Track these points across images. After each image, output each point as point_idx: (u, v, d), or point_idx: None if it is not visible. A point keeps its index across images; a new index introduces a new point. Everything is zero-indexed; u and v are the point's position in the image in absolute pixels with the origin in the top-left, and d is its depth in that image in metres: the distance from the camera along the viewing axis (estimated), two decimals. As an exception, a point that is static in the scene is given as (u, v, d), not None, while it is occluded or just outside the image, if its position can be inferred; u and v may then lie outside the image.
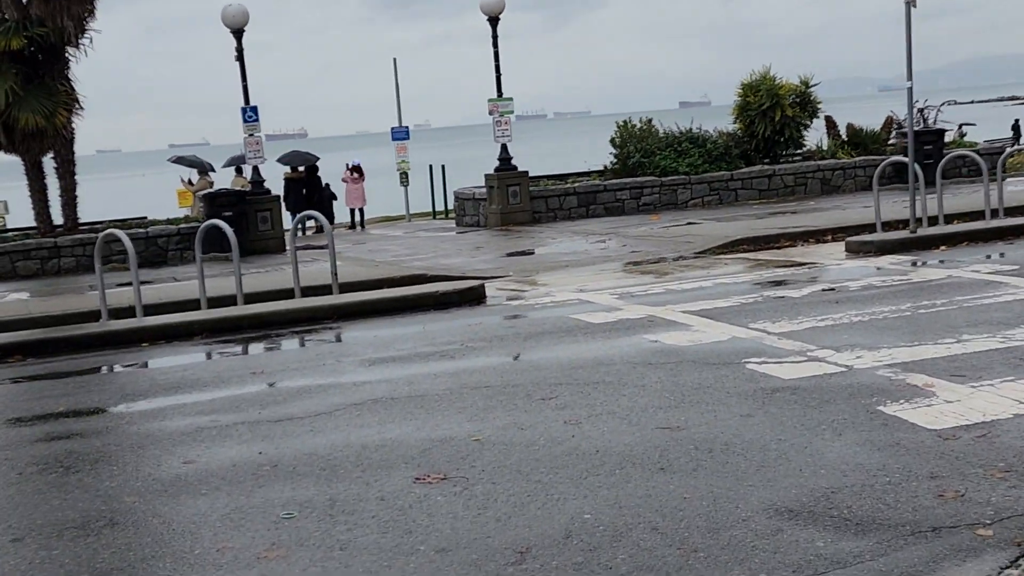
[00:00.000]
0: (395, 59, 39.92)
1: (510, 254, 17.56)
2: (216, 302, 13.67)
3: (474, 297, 12.23)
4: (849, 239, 14.54)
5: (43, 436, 7.56)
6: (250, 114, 22.06)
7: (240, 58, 22.08)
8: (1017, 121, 36.56)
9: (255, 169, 22.46)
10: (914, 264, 12.55)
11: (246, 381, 8.83)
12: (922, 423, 6.36)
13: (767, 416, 6.69)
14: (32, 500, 6.09)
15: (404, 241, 21.95)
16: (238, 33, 21.95)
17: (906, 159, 15.87)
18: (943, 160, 16.30)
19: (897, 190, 23.39)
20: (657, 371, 8.02)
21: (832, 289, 11.11)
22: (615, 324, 10.04)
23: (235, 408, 7.86)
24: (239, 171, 29.19)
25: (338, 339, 10.68)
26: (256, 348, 10.57)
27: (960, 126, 29.10)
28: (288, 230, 14.39)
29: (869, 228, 16.46)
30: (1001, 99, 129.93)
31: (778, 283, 11.85)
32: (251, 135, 22.10)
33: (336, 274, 12.89)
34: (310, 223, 29.82)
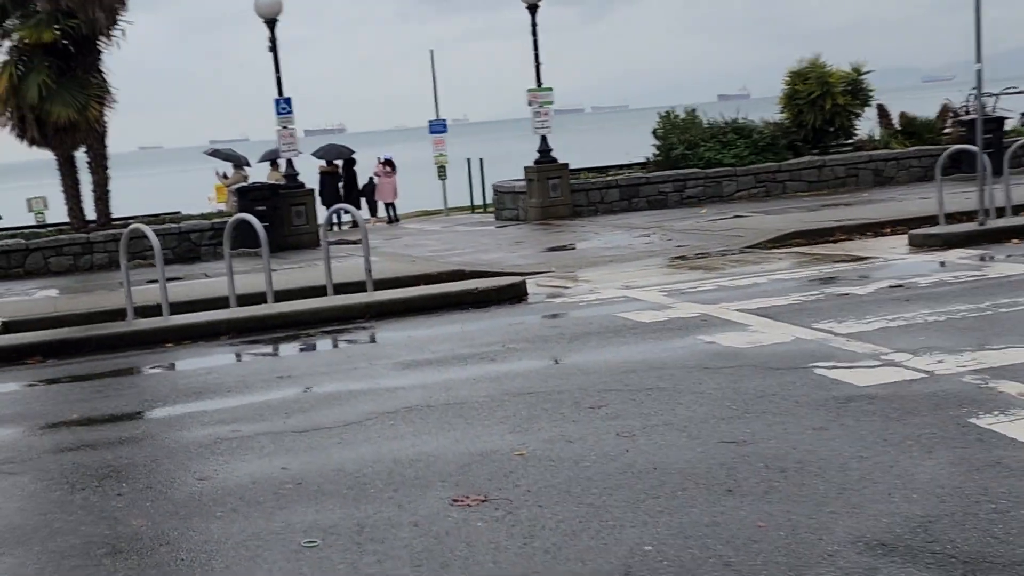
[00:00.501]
0: (432, 51, 39.28)
1: (551, 249, 16.91)
2: (246, 300, 13.14)
3: (514, 294, 11.60)
4: (912, 232, 13.73)
5: (52, 448, 7.03)
6: (283, 106, 21.56)
7: (273, 49, 21.58)
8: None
9: (288, 162, 21.96)
10: (985, 259, 11.74)
11: (271, 386, 8.25)
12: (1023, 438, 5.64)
13: (843, 429, 6.00)
14: (33, 522, 5.54)
15: (441, 236, 21.36)
16: (271, 23, 21.45)
17: (971, 147, 15.01)
18: (1011, 148, 15.34)
19: (956, 181, 22.44)
20: (716, 376, 7.34)
21: (900, 286, 10.34)
22: (666, 324, 9.36)
23: (258, 417, 7.28)
24: (274, 165, 28.73)
25: (371, 340, 10.09)
26: (285, 349, 10.01)
27: (1022, 114, 27.97)
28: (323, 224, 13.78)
29: (930, 220, 15.61)
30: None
31: (839, 279, 11.09)
32: (284, 127, 21.60)
33: (370, 271, 12.30)
34: (346, 217, 29.46)
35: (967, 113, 26.32)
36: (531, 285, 12.44)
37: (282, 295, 13.57)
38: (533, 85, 23.52)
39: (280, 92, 21.60)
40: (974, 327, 8.27)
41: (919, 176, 24.36)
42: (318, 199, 29.45)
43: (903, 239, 14.16)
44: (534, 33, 23.25)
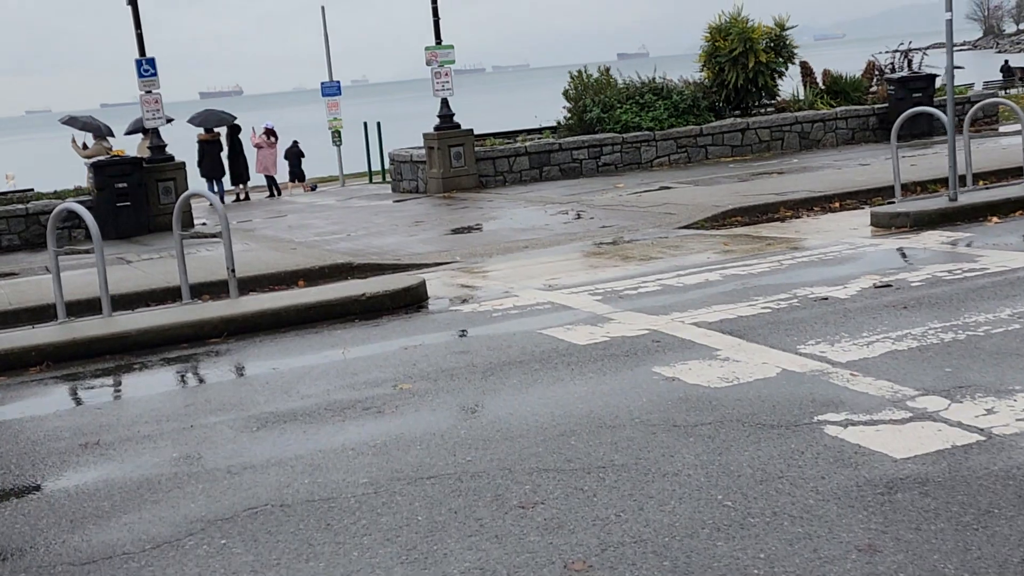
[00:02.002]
0: (323, 7, 36.55)
1: (456, 231, 14.67)
2: (85, 307, 10.68)
3: (412, 300, 9.36)
4: (875, 210, 11.86)
5: None
6: (146, 67, 18.78)
7: (133, 2, 18.74)
8: (1007, 62, 34.21)
9: (155, 132, 19.20)
10: (972, 245, 9.89)
11: (61, 466, 5.89)
12: None
13: (906, 553, 3.96)
14: None
15: (331, 214, 18.92)
16: (129, -29, 18.59)
17: (930, 109, 13.23)
18: (972, 109, 13.60)
19: (878, 143, 20.87)
20: (691, 442, 5.25)
21: (888, 285, 8.40)
22: (607, 346, 7.25)
23: (23, 539, 4.93)
24: (146, 134, 25.75)
25: (217, 375, 7.73)
26: (99, 394, 7.55)
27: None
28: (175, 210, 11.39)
29: (883, 193, 13.86)
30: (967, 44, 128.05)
31: (806, 276, 9.12)
32: (148, 92, 18.82)
33: (233, 270, 9.90)
34: (230, 188, 26.69)
35: (893, 71, 24.82)
36: (433, 283, 10.22)
37: (131, 299, 11.14)
38: (432, 43, 21.14)
39: (142, 51, 18.82)
40: (1010, 349, 6.35)
41: (846, 139, 22.77)
42: (196, 171, 26.83)
43: (860, 217, 12.32)
44: (431, -17, 20.81)
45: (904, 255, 9.74)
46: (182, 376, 7.70)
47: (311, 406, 6.47)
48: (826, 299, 8.07)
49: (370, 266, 11.92)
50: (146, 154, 19.59)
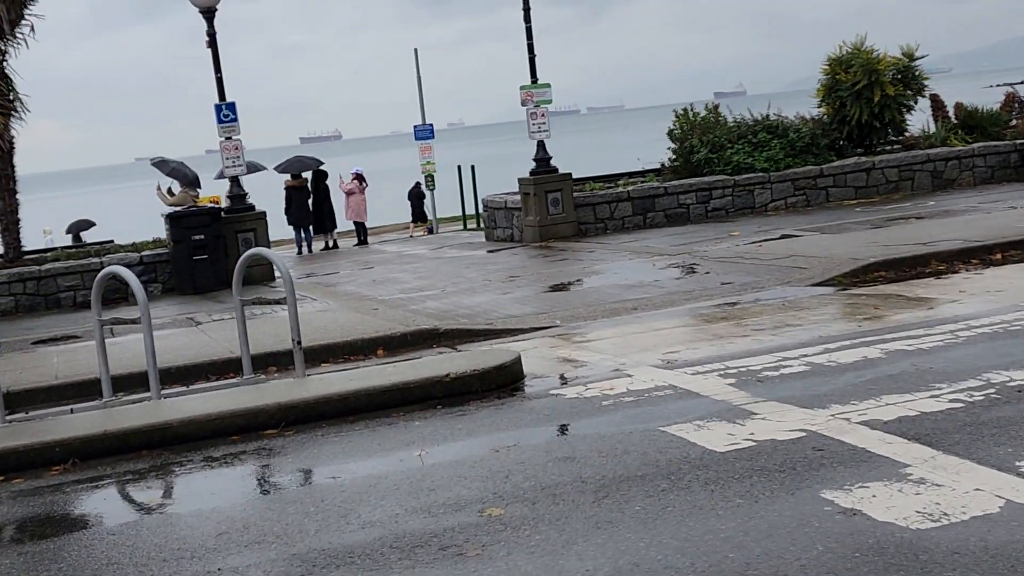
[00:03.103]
0: (416, 49, 35.79)
1: (554, 287, 13.15)
2: (141, 379, 9.45)
3: (505, 380, 7.85)
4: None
5: None
6: (226, 112, 17.83)
7: (213, 44, 17.87)
8: None
9: (235, 181, 18.21)
10: None
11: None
12: None
13: None
14: None
15: (421, 266, 17.60)
16: (209, 14, 17.75)
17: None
18: None
19: (1022, 183, 18.76)
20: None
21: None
22: (754, 455, 5.61)
23: None
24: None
25: (267, 486, 6.29)
26: (119, 510, 6.15)
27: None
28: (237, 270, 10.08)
29: (1052, 242, 11.91)
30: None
31: (995, 352, 7.33)
32: (228, 139, 17.86)
33: (300, 342, 8.52)
34: (319, 237, 25.71)
35: (1035, 103, 22.63)
36: (530, 355, 8.71)
37: (190, 371, 9.89)
38: (527, 82, 19.80)
39: (221, 96, 17.89)
40: None
41: (985, 178, 20.64)
42: (284, 219, 25.95)
43: (1033, 271, 10.43)
44: (527, 19, 19.52)
45: (1112, 324, 7.88)
46: (221, 487, 6.28)
47: (373, 541, 4.97)
48: (1037, 389, 6.29)
49: (458, 332, 10.47)
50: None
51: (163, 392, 8.47)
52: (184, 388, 9.00)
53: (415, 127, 34.34)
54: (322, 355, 10.08)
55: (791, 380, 7.12)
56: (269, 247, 18.51)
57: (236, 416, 7.28)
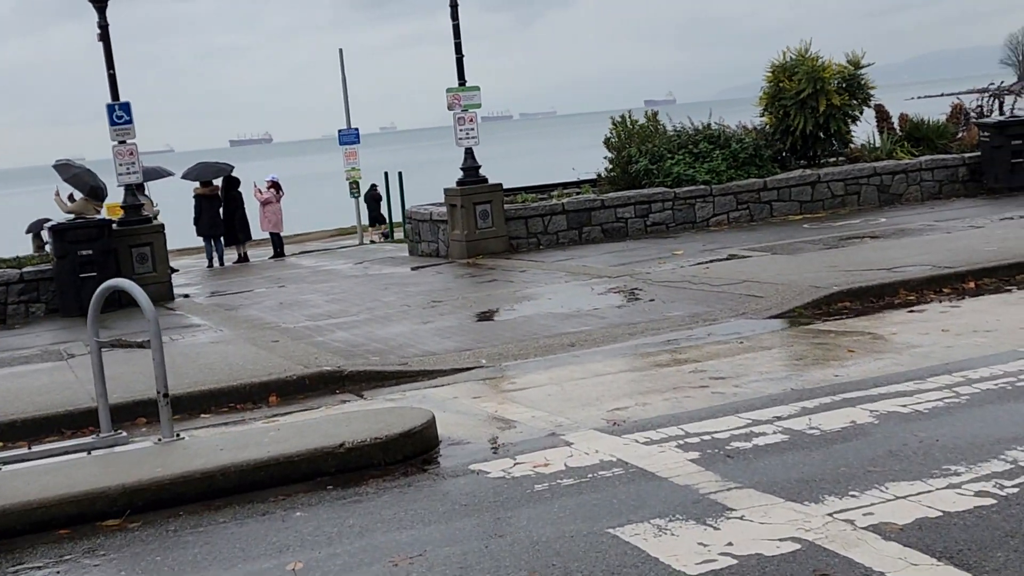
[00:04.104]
0: (340, 50, 34.13)
1: (481, 316, 11.70)
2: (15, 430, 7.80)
3: (415, 450, 6.36)
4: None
5: None
6: (120, 114, 16.05)
7: (105, 37, 16.09)
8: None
9: (129, 189, 16.43)
10: None
11: None
12: None
13: None
14: None
15: (336, 285, 16.01)
16: (100, 3, 15.95)
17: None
18: None
19: (983, 198, 17.72)
20: None
21: None
22: (736, 579, 4.21)
23: None
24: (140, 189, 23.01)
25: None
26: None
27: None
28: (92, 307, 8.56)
29: (1029, 269, 10.82)
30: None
31: (1010, 418, 6.06)
32: (122, 143, 16.08)
33: (167, 395, 6.93)
34: (229, 251, 23.92)
35: (981, 115, 21.84)
36: (447, 409, 7.26)
37: (45, 423, 8.24)
38: (455, 84, 18.34)
39: (115, 95, 16.10)
40: None
41: (933, 192, 19.71)
42: (193, 229, 24.13)
43: (1007, 301, 9.26)
44: (454, 16, 18.05)
45: None
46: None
47: None
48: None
49: (366, 375, 8.96)
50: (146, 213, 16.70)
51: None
52: (25, 450, 7.35)
53: (339, 131, 32.66)
54: (203, 403, 8.51)
55: (768, 455, 5.76)
56: (168, 261, 16.78)
57: (67, 503, 5.69)
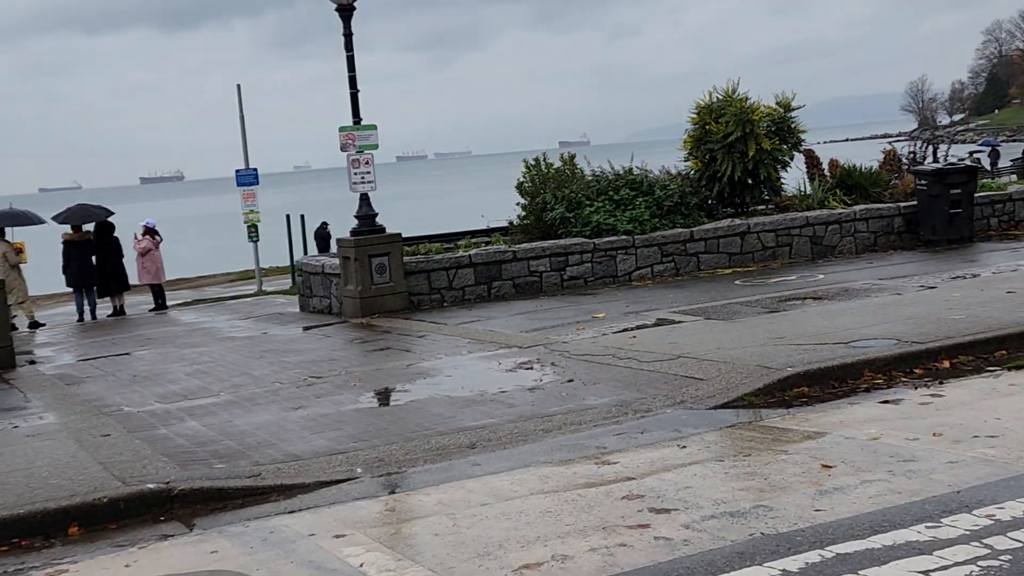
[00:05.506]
0: (239, 86, 31.82)
1: (365, 400, 9.69)
2: None
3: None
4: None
5: None
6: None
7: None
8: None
9: (-37, 239, 14.06)
10: None
11: None
12: None
13: None
14: None
15: (206, 351, 13.82)
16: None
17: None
18: None
19: (920, 252, 16.30)
20: None
21: None
22: None
23: None
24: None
25: None
26: None
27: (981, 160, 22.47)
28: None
29: (1007, 344, 9.26)
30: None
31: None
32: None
33: None
34: (104, 303, 21.47)
35: (915, 161, 20.68)
36: (299, 552, 5.27)
37: None
38: (349, 123, 16.40)
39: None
40: None
41: (867, 244, 18.39)
42: (62, 279, 21.66)
43: (997, 389, 7.63)
44: (348, 47, 16.15)
45: None
46: None
47: None
48: None
49: (204, 493, 6.90)
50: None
51: None
52: None
53: (236, 171, 30.24)
54: (-25, 542, 6.35)
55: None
56: (7, 324, 14.40)
57: None
